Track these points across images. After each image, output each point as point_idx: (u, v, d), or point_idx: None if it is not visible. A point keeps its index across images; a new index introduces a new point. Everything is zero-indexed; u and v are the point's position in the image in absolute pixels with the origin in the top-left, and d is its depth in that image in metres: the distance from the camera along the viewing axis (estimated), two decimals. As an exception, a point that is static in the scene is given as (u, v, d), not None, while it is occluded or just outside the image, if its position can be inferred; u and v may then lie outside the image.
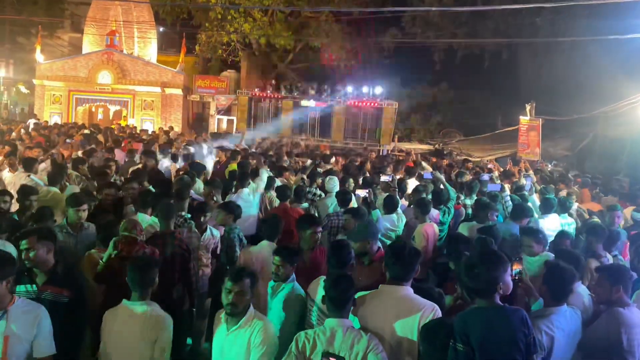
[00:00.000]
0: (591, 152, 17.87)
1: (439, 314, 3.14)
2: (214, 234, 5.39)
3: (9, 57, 25.49)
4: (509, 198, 7.19)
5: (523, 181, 8.80)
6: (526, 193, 7.89)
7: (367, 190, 6.27)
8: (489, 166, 13.66)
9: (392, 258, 3.26)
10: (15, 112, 26.35)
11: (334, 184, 7.19)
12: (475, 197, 7.29)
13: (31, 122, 16.68)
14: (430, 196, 6.75)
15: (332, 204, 6.70)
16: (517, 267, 3.81)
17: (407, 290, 3.23)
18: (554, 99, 18.88)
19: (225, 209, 5.48)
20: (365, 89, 21.30)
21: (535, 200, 7.64)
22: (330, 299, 3.04)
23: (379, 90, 21.36)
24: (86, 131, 14.65)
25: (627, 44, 13.82)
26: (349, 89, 21.32)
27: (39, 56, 21.88)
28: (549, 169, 14.63)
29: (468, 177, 8.74)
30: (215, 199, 6.39)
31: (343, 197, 6.41)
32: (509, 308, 2.91)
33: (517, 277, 3.72)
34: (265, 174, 7.53)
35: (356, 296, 3.31)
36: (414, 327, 3.04)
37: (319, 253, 4.55)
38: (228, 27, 22.89)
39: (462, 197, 7.42)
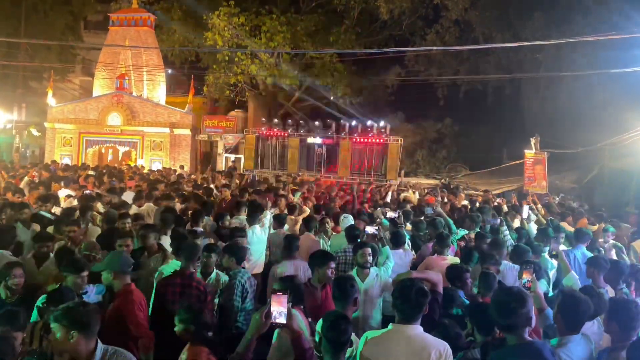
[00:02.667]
0: (599, 184, 17.81)
1: (450, 352, 3.15)
2: (220, 279, 5.07)
3: (21, 101, 26.08)
4: (507, 233, 7.21)
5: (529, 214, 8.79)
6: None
7: (376, 227, 6.31)
8: (497, 200, 13.65)
9: (399, 298, 3.25)
10: (27, 154, 26.77)
11: (349, 222, 7.31)
12: (478, 231, 7.36)
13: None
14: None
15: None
16: (526, 276, 3.89)
17: (417, 329, 3.22)
18: (559, 132, 18.97)
19: (227, 251, 5.24)
20: (370, 126, 21.54)
21: (532, 229, 7.66)
22: (327, 341, 2.95)
23: (384, 126, 21.61)
24: (91, 172, 14.81)
25: (631, 75, 13.93)
26: (355, 126, 21.57)
27: (50, 100, 22.41)
28: (556, 202, 14.58)
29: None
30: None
31: (352, 233, 6.46)
32: (538, 342, 3.02)
33: (526, 285, 3.81)
34: (269, 214, 7.53)
35: (368, 336, 3.30)
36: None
37: (329, 290, 4.47)
38: (235, 68, 23.41)
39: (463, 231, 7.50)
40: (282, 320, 2.62)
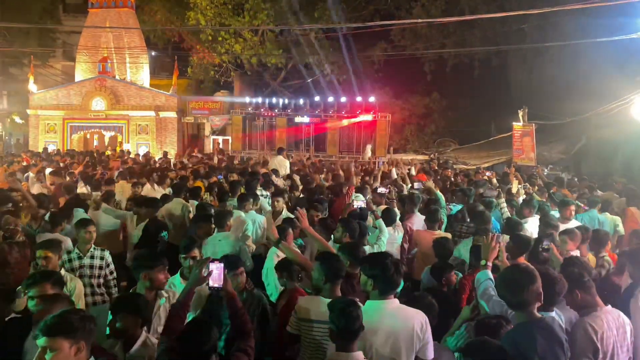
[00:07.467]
0: (586, 155, 17.89)
1: (427, 321, 3.12)
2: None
3: (2, 89, 25.60)
4: (505, 205, 7.17)
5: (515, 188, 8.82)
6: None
7: (362, 201, 6.26)
8: (487, 174, 13.66)
9: (377, 273, 3.12)
10: (11, 143, 26.36)
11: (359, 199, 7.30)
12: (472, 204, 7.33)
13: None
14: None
15: None
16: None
17: (395, 302, 3.17)
18: (546, 103, 18.93)
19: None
20: (358, 103, 21.42)
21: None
22: (338, 331, 2.81)
23: (371, 103, 21.48)
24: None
25: (617, 43, 13.83)
26: (342, 103, 21.43)
27: (32, 86, 21.97)
28: (545, 174, 14.64)
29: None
30: None
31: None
32: (548, 318, 2.99)
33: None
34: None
35: None
36: (411, 339, 3.03)
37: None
38: (219, 48, 23.05)
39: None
40: (219, 284, 3.13)
